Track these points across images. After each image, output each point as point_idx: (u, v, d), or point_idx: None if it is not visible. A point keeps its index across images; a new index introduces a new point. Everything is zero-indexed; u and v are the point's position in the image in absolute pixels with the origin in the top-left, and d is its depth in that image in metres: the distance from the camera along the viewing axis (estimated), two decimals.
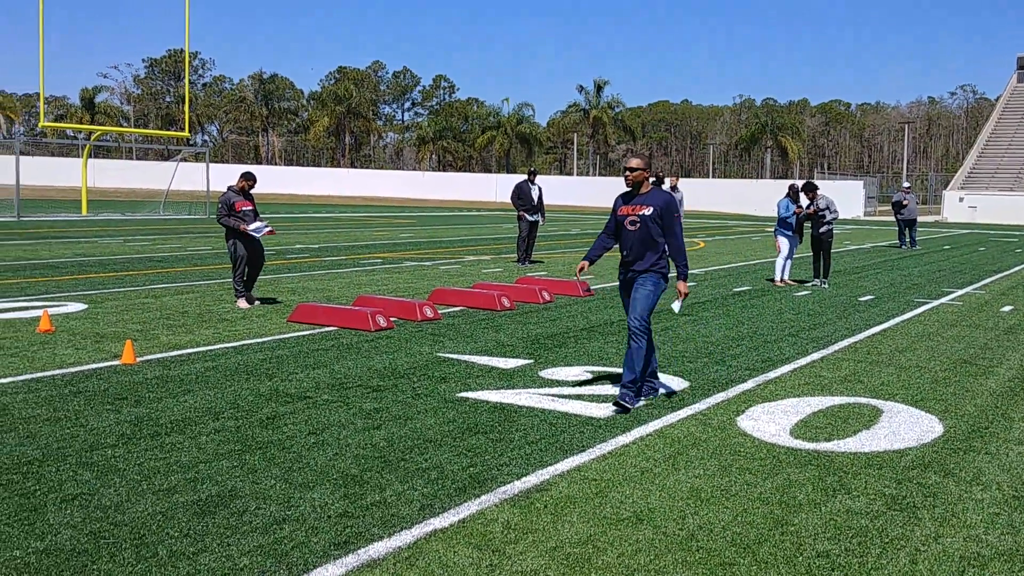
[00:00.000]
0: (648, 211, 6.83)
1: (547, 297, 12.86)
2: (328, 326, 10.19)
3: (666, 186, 22.01)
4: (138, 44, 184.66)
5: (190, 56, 38.00)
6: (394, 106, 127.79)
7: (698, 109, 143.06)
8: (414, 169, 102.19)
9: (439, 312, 11.25)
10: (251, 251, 11.66)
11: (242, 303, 11.60)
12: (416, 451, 5.62)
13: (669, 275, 7.00)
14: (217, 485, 4.88)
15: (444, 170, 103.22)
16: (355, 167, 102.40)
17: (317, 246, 22.35)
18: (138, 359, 8.12)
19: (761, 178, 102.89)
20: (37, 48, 30.52)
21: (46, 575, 3.74)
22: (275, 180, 76.53)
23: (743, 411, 6.90)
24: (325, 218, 38.05)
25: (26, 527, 4.24)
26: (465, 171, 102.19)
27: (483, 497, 4.82)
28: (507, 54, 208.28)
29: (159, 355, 8.40)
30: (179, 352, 8.57)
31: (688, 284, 7.09)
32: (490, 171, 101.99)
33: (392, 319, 10.51)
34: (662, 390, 7.31)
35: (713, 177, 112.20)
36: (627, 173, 6.91)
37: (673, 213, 6.84)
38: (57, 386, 7.06)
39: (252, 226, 11.59)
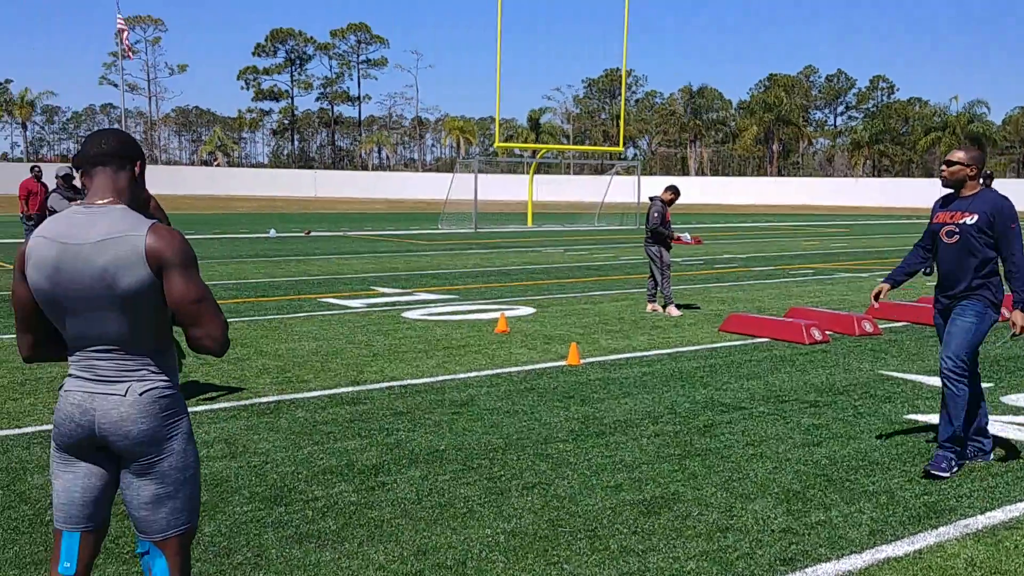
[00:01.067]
0: (971, 219, 5.36)
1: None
2: (760, 337, 10.07)
3: None
4: (579, 67, 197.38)
5: (625, 74, 39.67)
6: (826, 111, 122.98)
7: None
8: (846, 175, 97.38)
9: (879, 327, 10.59)
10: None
11: (673, 310, 11.89)
12: (862, 472, 5.34)
13: (1001, 305, 5.49)
14: (660, 487, 5.04)
15: (879, 175, 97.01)
16: (782, 175, 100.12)
17: (745, 256, 22.19)
18: (582, 361, 8.66)
19: None
20: (494, 78, 33.89)
21: (513, 554, 4.13)
22: (701, 190, 77.37)
23: None
24: (751, 228, 37.69)
25: (494, 508, 4.71)
26: (903, 176, 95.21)
27: (941, 529, 4.44)
28: (955, 49, 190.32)
29: (600, 358, 8.89)
30: (618, 356, 9.00)
31: None
32: (932, 175, 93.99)
33: (827, 332, 10.10)
34: (991, 455, 5.65)
35: None
36: (943, 168, 5.52)
37: (1009, 223, 5.31)
38: (513, 382, 7.77)
39: (684, 235, 11.94)
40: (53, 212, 11.69)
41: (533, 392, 7.39)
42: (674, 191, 12.23)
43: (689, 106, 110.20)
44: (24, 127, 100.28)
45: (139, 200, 2.69)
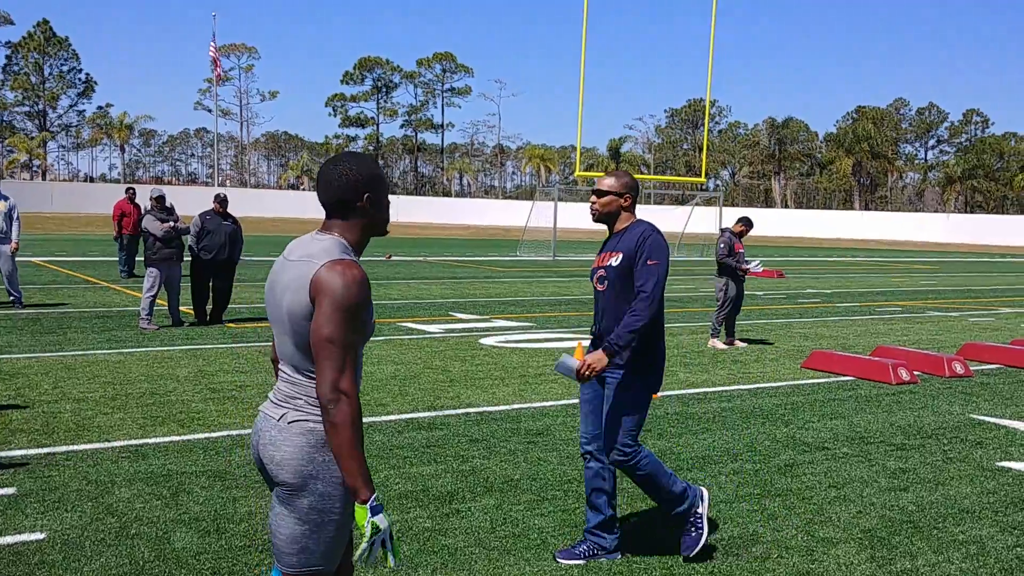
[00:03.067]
0: (617, 260, 4.38)
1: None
2: (844, 375, 9.82)
3: None
4: (661, 96, 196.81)
5: (709, 104, 39.39)
6: (916, 144, 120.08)
7: None
8: (936, 211, 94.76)
9: (971, 369, 10.23)
10: (738, 294, 11.89)
11: (717, 343, 11.76)
12: (951, 520, 5.14)
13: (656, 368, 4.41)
14: (738, 527, 4.93)
15: (972, 212, 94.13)
16: (869, 209, 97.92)
17: (829, 291, 21.72)
18: (659, 395, 8.56)
19: None
20: (576, 107, 34.08)
21: None
22: (784, 223, 76.13)
23: None
24: (836, 262, 36.88)
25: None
26: (998, 213, 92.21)
27: None
28: None
29: (678, 392, 8.78)
30: (696, 390, 8.88)
31: (608, 361, 4.20)
32: None
33: (916, 373, 9.80)
34: (612, 555, 4.48)
35: None
36: (592, 201, 4.49)
37: (646, 258, 4.27)
38: None
39: (751, 265, 11.80)
40: (147, 233, 12.09)
41: None
42: (745, 223, 12.09)
43: (773, 137, 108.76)
44: (122, 150, 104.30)
45: (374, 226, 2.74)
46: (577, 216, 77.72)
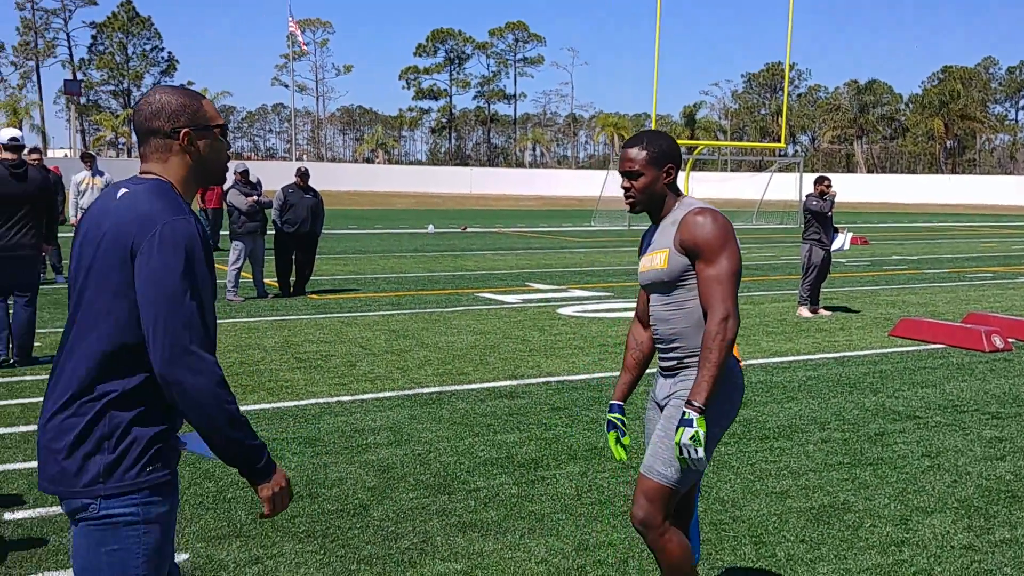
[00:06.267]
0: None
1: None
2: (934, 343, 9.56)
3: None
4: (739, 61, 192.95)
5: (788, 67, 38.48)
6: (1007, 104, 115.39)
7: None
8: None
9: None
10: (824, 260, 11.52)
11: (804, 311, 11.48)
12: None
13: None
14: (828, 496, 4.86)
15: None
16: (956, 173, 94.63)
17: (916, 257, 21.11)
18: (742, 363, 8.45)
19: None
20: (649, 74, 33.60)
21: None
22: (867, 188, 74.12)
23: None
24: (923, 227, 35.78)
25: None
26: None
27: None
28: None
29: (762, 360, 8.65)
30: (780, 359, 8.74)
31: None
32: None
33: (1010, 340, 9.48)
34: None
35: None
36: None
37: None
38: None
39: (835, 245, 11.47)
40: (231, 207, 12.36)
41: None
42: (820, 182, 11.67)
43: (856, 101, 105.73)
44: None
45: None
46: None
